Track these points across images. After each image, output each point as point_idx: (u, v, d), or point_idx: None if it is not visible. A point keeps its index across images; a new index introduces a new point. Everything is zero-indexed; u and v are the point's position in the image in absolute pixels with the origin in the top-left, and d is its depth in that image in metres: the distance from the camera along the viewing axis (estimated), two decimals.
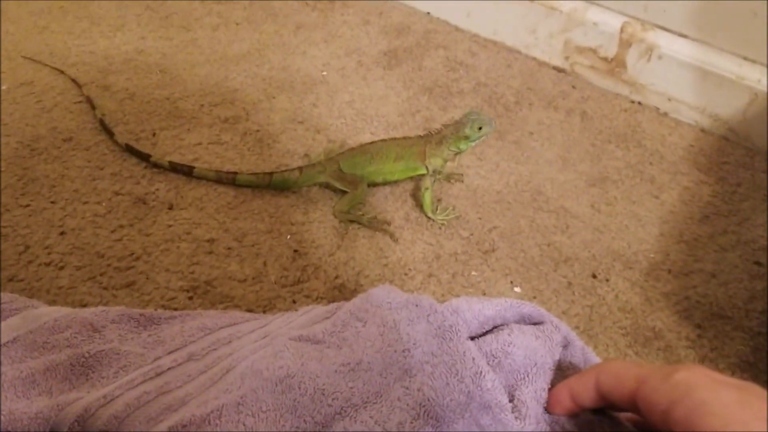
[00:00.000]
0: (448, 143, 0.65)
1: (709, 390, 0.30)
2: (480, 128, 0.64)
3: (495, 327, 0.47)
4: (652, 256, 0.63)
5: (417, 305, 0.47)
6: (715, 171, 0.75)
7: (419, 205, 0.66)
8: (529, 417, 0.40)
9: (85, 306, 0.55)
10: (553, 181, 0.72)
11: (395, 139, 0.68)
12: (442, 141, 0.65)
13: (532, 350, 0.44)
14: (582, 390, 0.36)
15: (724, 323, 0.57)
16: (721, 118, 0.83)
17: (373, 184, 0.68)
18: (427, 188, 0.65)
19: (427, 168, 0.66)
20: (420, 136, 0.67)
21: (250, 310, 0.55)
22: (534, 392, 0.41)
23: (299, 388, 0.42)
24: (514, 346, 0.44)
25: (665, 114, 0.86)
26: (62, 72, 0.82)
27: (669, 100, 0.86)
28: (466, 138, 0.64)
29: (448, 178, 0.71)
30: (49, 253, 0.59)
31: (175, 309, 0.55)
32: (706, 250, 0.64)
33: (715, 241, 0.65)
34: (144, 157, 0.70)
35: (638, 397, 0.32)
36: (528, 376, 0.42)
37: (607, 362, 0.36)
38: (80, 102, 0.78)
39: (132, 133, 0.74)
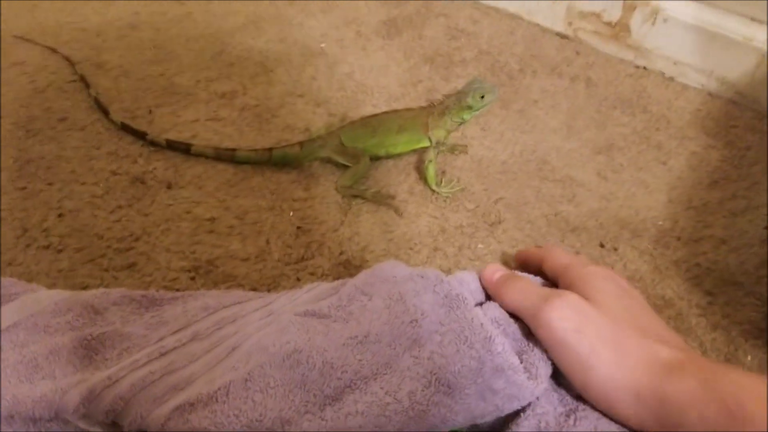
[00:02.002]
0: (451, 114, 0.63)
1: (599, 280, 0.43)
2: (483, 97, 0.62)
3: None
4: (660, 223, 0.62)
5: (422, 277, 0.46)
6: (723, 135, 0.74)
7: (423, 178, 0.65)
8: (541, 376, 0.40)
9: (85, 288, 0.54)
10: (559, 149, 0.70)
11: (397, 111, 0.66)
12: (444, 112, 0.63)
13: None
14: (533, 259, 0.50)
15: (735, 290, 0.56)
16: (728, 81, 0.81)
17: (375, 158, 0.67)
18: (430, 161, 0.63)
19: (430, 140, 0.65)
20: (422, 107, 0.66)
21: (253, 289, 0.54)
22: (540, 354, 0.41)
23: (307, 362, 0.41)
24: (511, 319, 0.43)
25: (671, 78, 0.84)
26: (54, 50, 0.80)
27: (675, 64, 0.84)
28: (469, 108, 0.63)
29: (452, 149, 0.70)
30: (47, 236, 0.58)
31: (177, 290, 0.54)
32: (716, 216, 0.63)
33: (724, 206, 0.64)
34: (140, 136, 0.68)
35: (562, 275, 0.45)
36: (531, 339, 0.42)
37: (552, 248, 0.49)
38: (74, 81, 0.76)
39: (127, 111, 0.72)
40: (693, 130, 0.74)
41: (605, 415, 0.38)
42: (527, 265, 0.50)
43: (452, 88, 0.77)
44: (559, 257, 0.47)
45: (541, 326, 0.40)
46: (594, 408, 0.39)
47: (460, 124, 0.65)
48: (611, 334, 0.38)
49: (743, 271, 0.57)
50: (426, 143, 0.65)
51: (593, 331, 0.38)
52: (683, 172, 0.68)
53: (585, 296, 0.41)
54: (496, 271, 0.47)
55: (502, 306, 0.45)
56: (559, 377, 0.41)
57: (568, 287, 0.42)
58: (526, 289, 0.43)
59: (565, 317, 0.39)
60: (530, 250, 0.52)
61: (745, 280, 0.57)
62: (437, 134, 0.64)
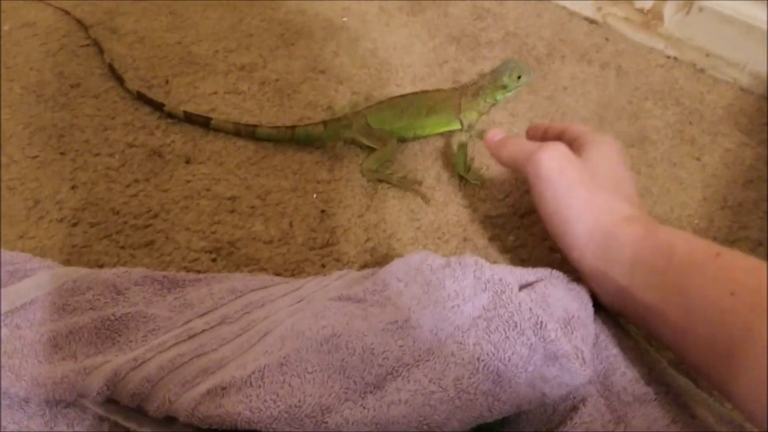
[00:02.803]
0: (485, 94, 0.61)
1: (605, 144, 0.50)
2: (519, 77, 0.59)
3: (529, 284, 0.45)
4: (696, 222, 0.60)
5: (460, 263, 0.44)
6: (757, 133, 0.72)
7: (452, 164, 0.63)
8: (587, 361, 0.38)
9: (101, 266, 0.52)
10: None
11: (427, 91, 0.63)
12: (478, 92, 0.61)
13: (568, 303, 0.42)
14: (552, 131, 0.56)
15: None
16: (761, 76, 0.79)
17: (402, 140, 0.64)
18: (462, 145, 0.61)
19: (461, 122, 0.62)
20: (454, 88, 0.63)
21: (277, 274, 0.52)
22: (582, 338, 0.39)
23: (346, 347, 0.39)
24: (551, 297, 0.42)
25: (702, 70, 0.82)
26: (67, 12, 0.76)
27: (707, 55, 0.82)
28: (504, 88, 0.60)
29: (480, 135, 0.67)
30: (60, 209, 0.56)
31: (198, 271, 0.52)
32: (751, 217, 0.61)
33: (759, 207, 0.62)
34: (157, 107, 0.65)
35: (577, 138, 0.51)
36: (570, 325, 0.40)
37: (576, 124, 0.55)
38: (87, 45, 0.73)
39: (143, 79, 0.69)
40: (726, 126, 0.72)
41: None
42: (546, 137, 0.56)
43: (480, 70, 0.75)
44: (579, 126, 0.53)
45: (531, 164, 0.47)
46: (643, 414, 0.37)
47: (493, 105, 0.62)
48: (588, 181, 0.45)
49: None
50: (456, 126, 0.63)
51: (574, 174, 0.46)
52: (717, 170, 0.66)
53: (583, 153, 0.48)
54: (498, 134, 0.54)
55: (500, 161, 0.53)
56: (608, 377, 0.40)
57: (582, 144, 0.49)
58: (523, 143, 0.51)
59: (553, 158, 0.46)
60: (551, 125, 0.57)
61: None
62: (469, 117, 0.62)
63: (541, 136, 0.57)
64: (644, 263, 0.40)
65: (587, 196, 0.45)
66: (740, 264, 0.37)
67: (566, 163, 0.46)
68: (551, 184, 0.46)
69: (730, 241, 0.59)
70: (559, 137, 0.54)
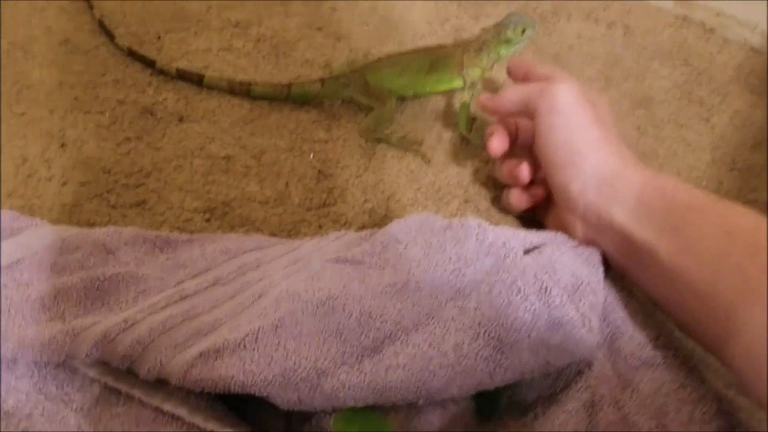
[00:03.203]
0: (488, 50, 0.58)
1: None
2: (523, 31, 0.57)
3: (534, 247, 0.44)
4: (704, 184, 0.58)
5: (463, 225, 0.43)
6: None
7: (453, 123, 0.61)
8: (594, 329, 0.37)
9: (92, 226, 0.50)
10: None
11: (428, 48, 0.61)
12: (481, 48, 0.59)
13: (577, 268, 0.41)
14: (535, 75, 0.53)
15: None
16: None
17: (402, 98, 0.62)
18: (465, 103, 0.59)
19: (464, 79, 0.60)
20: (456, 44, 0.61)
21: (273, 235, 0.51)
22: (590, 305, 0.38)
23: (343, 310, 0.38)
24: (559, 263, 0.41)
25: (712, 30, 0.79)
26: None
27: (717, 15, 0.79)
28: (508, 42, 0.58)
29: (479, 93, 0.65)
30: (49, 167, 0.54)
31: (192, 232, 0.50)
32: (760, 180, 0.60)
33: None
34: (149, 63, 0.63)
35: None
36: (579, 291, 0.39)
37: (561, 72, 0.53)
38: (76, 0, 0.70)
39: (134, 35, 0.67)
40: (736, 87, 0.70)
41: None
42: (528, 79, 0.54)
43: (482, 28, 0.72)
44: (569, 80, 0.51)
45: (547, 95, 0.47)
46: (651, 378, 0.36)
47: (496, 61, 0.60)
48: (601, 123, 0.46)
49: None
50: (458, 83, 0.61)
51: (590, 112, 0.46)
52: (726, 131, 0.64)
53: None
54: (490, 95, 0.53)
55: (502, 107, 0.51)
56: (615, 341, 0.39)
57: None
58: (528, 85, 0.50)
59: (571, 90, 0.47)
60: (536, 67, 0.54)
61: None
62: (472, 73, 0.60)
63: (523, 77, 0.55)
64: (646, 203, 0.41)
65: (600, 134, 0.46)
66: (738, 210, 0.39)
67: (583, 99, 0.47)
68: (567, 115, 0.46)
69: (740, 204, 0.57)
70: (539, 76, 0.53)
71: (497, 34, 0.58)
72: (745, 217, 0.38)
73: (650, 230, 0.40)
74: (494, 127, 0.53)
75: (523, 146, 0.52)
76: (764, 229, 0.36)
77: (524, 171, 0.50)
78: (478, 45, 0.59)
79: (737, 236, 0.36)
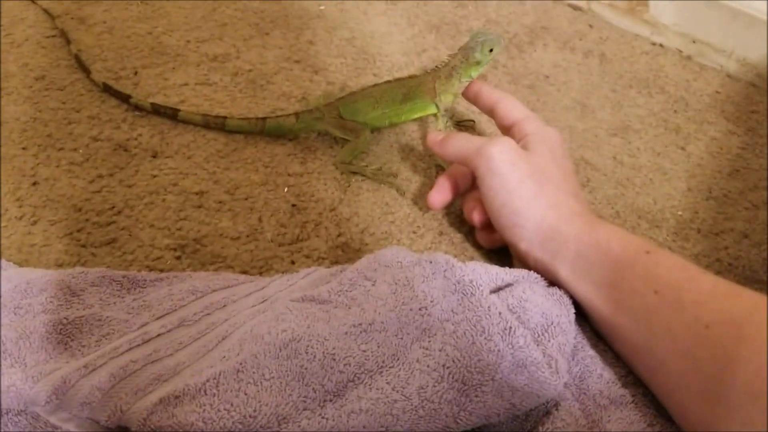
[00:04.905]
0: (459, 74, 0.59)
1: (547, 143, 0.50)
2: (491, 50, 0.58)
3: (506, 285, 0.43)
4: (679, 213, 0.58)
5: (431, 262, 0.42)
6: (744, 120, 0.70)
7: (428, 153, 0.61)
8: (561, 370, 0.36)
9: (61, 266, 0.49)
10: (572, 129, 0.66)
11: (400, 79, 0.61)
12: (452, 73, 0.59)
13: (548, 308, 0.40)
14: (485, 98, 0.56)
15: (758, 287, 0.52)
16: (749, 62, 0.77)
17: (376, 129, 0.62)
18: (440, 131, 0.59)
19: (437, 106, 0.60)
20: (426, 72, 0.61)
21: (244, 272, 0.50)
22: (558, 346, 0.38)
23: (306, 352, 0.37)
24: (530, 302, 0.40)
25: (688, 57, 0.80)
26: (33, 2, 0.74)
27: (693, 42, 0.80)
28: (478, 63, 0.58)
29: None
30: (20, 206, 0.54)
31: (162, 270, 0.50)
32: (737, 208, 0.59)
33: (745, 197, 0.61)
34: (124, 98, 0.63)
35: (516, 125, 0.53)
36: (548, 332, 0.38)
37: (506, 97, 0.55)
38: (53, 36, 0.70)
39: (111, 71, 0.67)
40: (712, 114, 0.70)
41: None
42: (477, 100, 0.57)
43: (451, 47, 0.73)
44: (513, 110, 0.54)
45: (482, 157, 0.47)
46: (619, 417, 0.36)
47: (468, 83, 0.60)
48: (538, 176, 0.47)
49: (767, 267, 0.54)
50: (432, 110, 0.61)
51: (525, 168, 0.47)
52: (703, 159, 0.64)
53: (530, 146, 0.49)
54: (440, 134, 0.54)
55: (446, 157, 0.53)
56: (584, 380, 0.38)
57: (524, 137, 0.50)
58: (469, 138, 0.51)
59: (504, 151, 0.47)
60: (485, 86, 0.57)
61: None
62: (445, 99, 0.60)
63: (474, 96, 0.58)
64: (584, 258, 0.42)
65: (537, 190, 0.46)
66: (665, 262, 0.39)
67: (517, 158, 0.47)
68: (503, 177, 0.46)
69: (715, 233, 0.57)
70: (491, 110, 0.56)
71: (465, 59, 0.58)
72: (670, 272, 0.38)
73: (590, 286, 0.41)
74: (438, 180, 0.54)
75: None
76: (687, 285, 0.37)
77: (476, 217, 0.51)
78: (448, 71, 0.59)
79: (665, 294, 0.37)
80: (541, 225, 0.45)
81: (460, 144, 0.51)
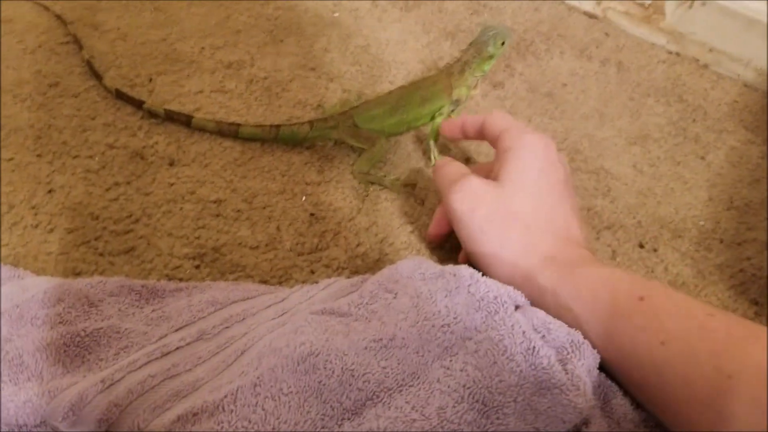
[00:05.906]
0: (472, 69, 0.59)
1: (530, 153, 0.46)
2: (503, 43, 0.58)
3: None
4: (701, 223, 0.58)
5: (455, 275, 0.41)
6: (763, 130, 0.69)
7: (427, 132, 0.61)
8: (588, 392, 0.35)
9: (78, 275, 0.49)
10: (591, 138, 0.66)
11: (414, 82, 0.61)
12: (464, 68, 0.59)
13: (572, 329, 0.39)
14: (470, 125, 0.53)
15: None
16: (765, 71, 0.77)
17: (394, 135, 0.62)
18: (441, 114, 0.59)
19: (453, 101, 0.60)
20: (440, 71, 0.61)
21: (263, 281, 0.50)
22: (586, 367, 0.37)
23: (324, 368, 0.36)
24: (556, 321, 0.39)
25: (705, 66, 0.79)
26: (46, 8, 0.73)
27: (710, 51, 0.80)
28: (490, 57, 0.59)
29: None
30: (36, 214, 0.53)
31: (181, 279, 0.49)
32: (758, 218, 0.59)
33: (767, 207, 0.60)
34: (137, 104, 0.63)
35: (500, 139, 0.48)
36: (575, 352, 0.37)
37: (492, 112, 0.51)
38: (67, 42, 0.70)
39: (125, 78, 0.67)
40: (731, 123, 0.70)
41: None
42: (466, 130, 0.54)
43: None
44: (496, 121, 0.50)
45: (445, 205, 0.47)
46: None
47: (481, 77, 0.61)
48: (502, 218, 0.44)
49: None
50: (448, 107, 0.61)
51: (486, 212, 0.44)
52: (723, 168, 0.64)
53: (509, 167, 0.45)
54: (452, 121, 0.55)
55: (435, 179, 0.51)
56: (608, 402, 0.37)
57: (504, 153, 0.47)
58: (448, 173, 0.49)
59: (460, 200, 0.45)
60: (466, 116, 0.54)
61: None
62: (458, 93, 0.60)
63: (460, 132, 0.54)
64: (567, 309, 0.39)
65: (502, 237, 0.43)
66: (665, 309, 0.36)
67: (476, 203, 0.45)
68: (464, 225, 0.45)
69: (737, 243, 0.56)
70: (480, 133, 0.52)
71: (478, 53, 0.58)
72: (675, 321, 0.35)
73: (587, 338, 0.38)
74: (437, 210, 0.53)
75: None
76: (698, 334, 0.34)
77: (431, 230, 0.52)
78: (461, 66, 0.59)
79: (673, 345, 0.34)
80: (513, 276, 0.42)
81: (440, 180, 0.49)
